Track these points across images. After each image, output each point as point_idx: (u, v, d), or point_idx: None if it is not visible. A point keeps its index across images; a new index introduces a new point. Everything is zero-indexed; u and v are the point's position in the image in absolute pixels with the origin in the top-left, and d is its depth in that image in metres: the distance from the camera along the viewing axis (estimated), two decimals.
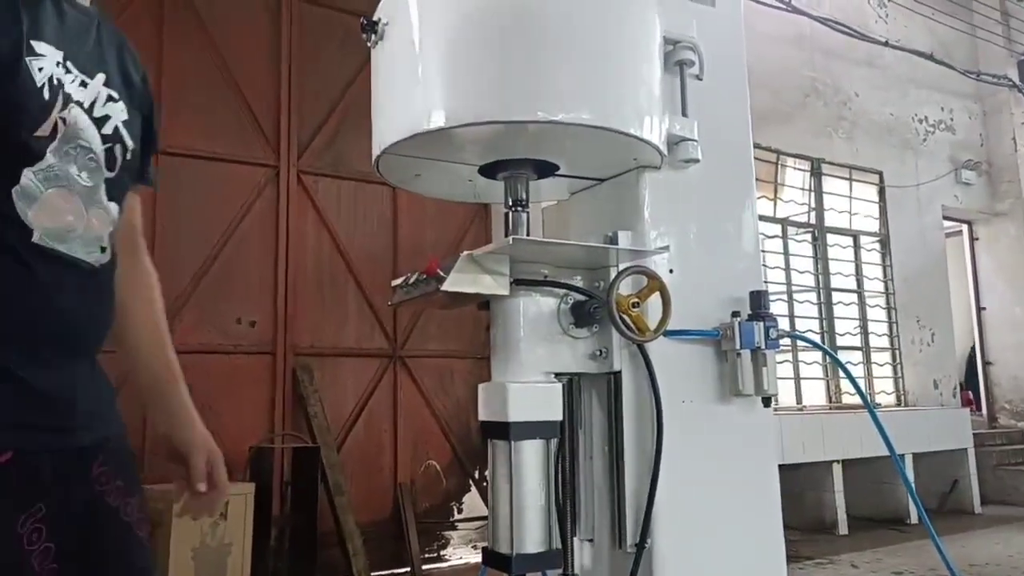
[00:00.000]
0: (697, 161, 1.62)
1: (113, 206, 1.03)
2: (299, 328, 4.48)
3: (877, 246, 6.83)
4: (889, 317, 6.70)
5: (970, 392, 7.65)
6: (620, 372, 1.56)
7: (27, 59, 0.90)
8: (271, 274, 4.47)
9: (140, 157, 1.12)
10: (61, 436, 0.94)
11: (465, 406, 4.98)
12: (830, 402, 6.18)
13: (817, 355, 6.05)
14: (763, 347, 1.58)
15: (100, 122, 1.01)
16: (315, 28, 4.79)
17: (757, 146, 6.72)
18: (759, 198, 5.86)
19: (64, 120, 0.94)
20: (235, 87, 4.51)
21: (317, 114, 4.73)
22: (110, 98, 1.03)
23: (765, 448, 1.68)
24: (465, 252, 1.40)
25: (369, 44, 1.50)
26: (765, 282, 6.51)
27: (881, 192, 6.86)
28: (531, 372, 1.49)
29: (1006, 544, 4.90)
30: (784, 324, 6.05)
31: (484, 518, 4.67)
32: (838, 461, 5.36)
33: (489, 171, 1.58)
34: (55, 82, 0.93)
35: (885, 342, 6.68)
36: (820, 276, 6.36)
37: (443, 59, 1.42)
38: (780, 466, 1.74)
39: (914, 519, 5.41)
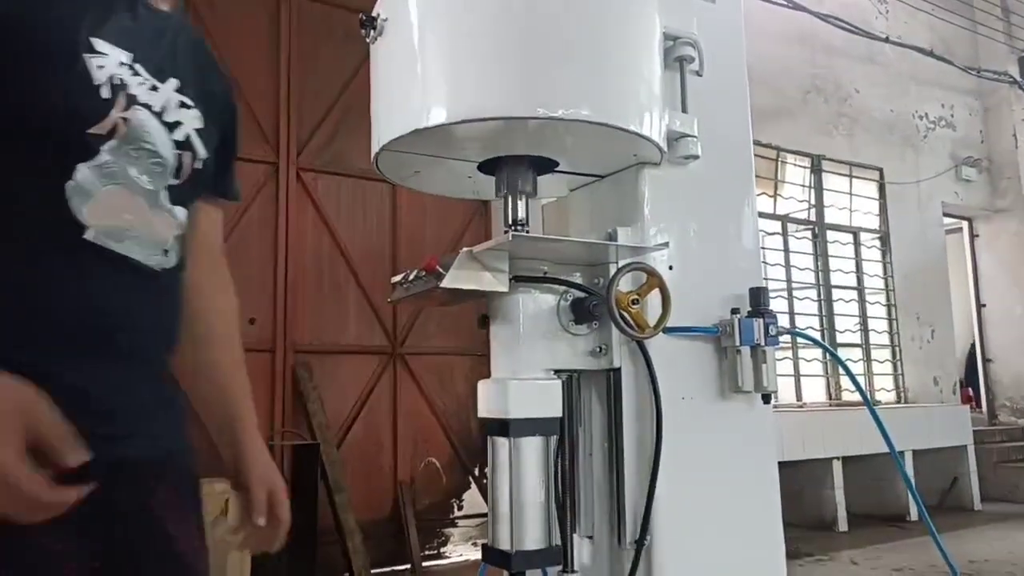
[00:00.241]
0: (697, 157, 1.61)
1: (180, 210, 0.99)
2: (299, 326, 4.47)
3: (877, 243, 6.82)
4: (889, 314, 6.70)
5: (970, 389, 7.65)
6: (620, 369, 1.55)
7: (85, 56, 0.88)
8: (271, 272, 4.47)
9: (217, 168, 1.08)
10: (109, 444, 0.86)
11: (465, 403, 4.98)
12: (830, 399, 6.18)
13: (817, 352, 6.05)
14: (763, 344, 1.58)
15: (171, 127, 0.97)
16: (314, 25, 4.78)
17: (757, 143, 6.71)
18: (759, 195, 5.85)
19: (126, 120, 0.90)
20: (234, 84, 4.50)
21: (316, 111, 4.72)
22: (183, 104, 1.00)
23: (765, 445, 1.68)
24: (464, 249, 1.40)
25: (368, 40, 1.50)
26: (765, 279, 6.51)
27: (881, 189, 6.85)
28: (531, 369, 1.49)
29: (1006, 541, 4.91)
30: (784, 321, 6.05)
31: (484, 515, 4.67)
32: (838, 458, 5.36)
33: (488, 168, 1.58)
34: (117, 82, 0.90)
35: (885, 339, 6.68)
36: (820, 273, 6.36)
37: (442, 55, 1.42)
38: (780, 463, 1.74)
39: (914, 516, 5.42)
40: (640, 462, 1.52)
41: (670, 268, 1.59)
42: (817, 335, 6.09)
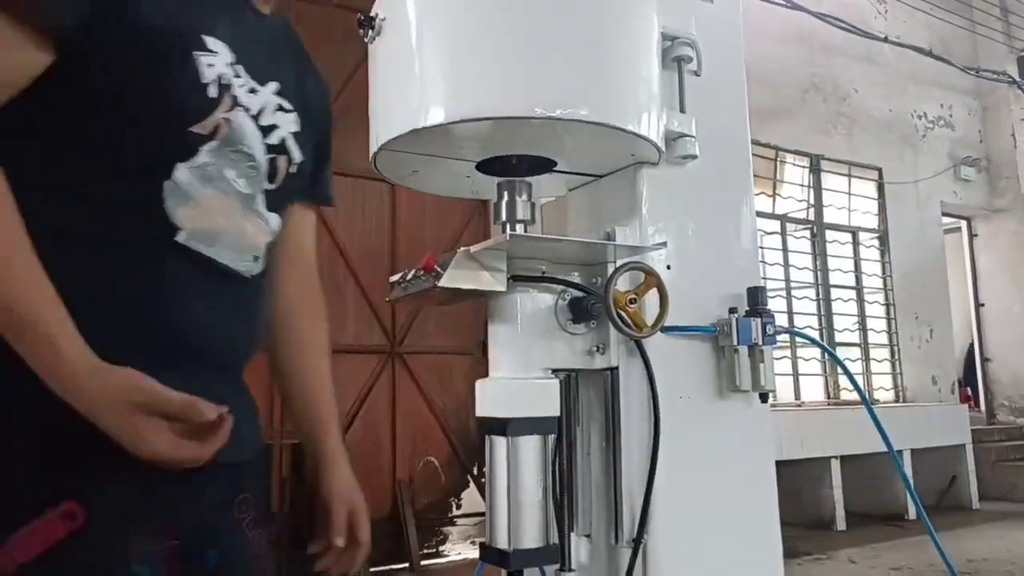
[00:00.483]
0: (695, 157, 1.62)
1: (273, 217, 0.97)
2: None
3: (876, 243, 6.83)
4: (888, 313, 6.71)
5: (969, 388, 7.65)
6: (618, 368, 1.56)
7: (196, 54, 0.86)
8: None
9: (312, 173, 1.06)
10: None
11: (464, 402, 4.98)
12: (828, 398, 6.19)
13: (816, 351, 6.06)
14: (760, 343, 1.59)
15: (266, 131, 0.95)
16: (312, 25, 4.78)
17: (756, 142, 6.71)
18: (758, 194, 5.88)
19: (228, 121, 0.88)
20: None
21: None
22: (280, 108, 0.98)
23: (762, 444, 1.68)
24: (462, 248, 1.41)
25: (366, 40, 1.50)
26: (764, 279, 6.50)
27: (880, 188, 6.86)
28: (529, 368, 1.49)
29: (1004, 539, 4.91)
30: (783, 320, 6.06)
31: (483, 514, 4.67)
32: (836, 457, 5.37)
33: (487, 167, 1.58)
34: (223, 82, 0.88)
35: (884, 338, 6.68)
36: (819, 273, 6.36)
37: (440, 55, 1.42)
38: (779, 462, 1.74)
39: (912, 515, 5.42)
40: (638, 461, 1.53)
41: (668, 267, 1.59)
42: (816, 334, 6.10)
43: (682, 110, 1.62)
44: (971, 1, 7.59)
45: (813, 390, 6.18)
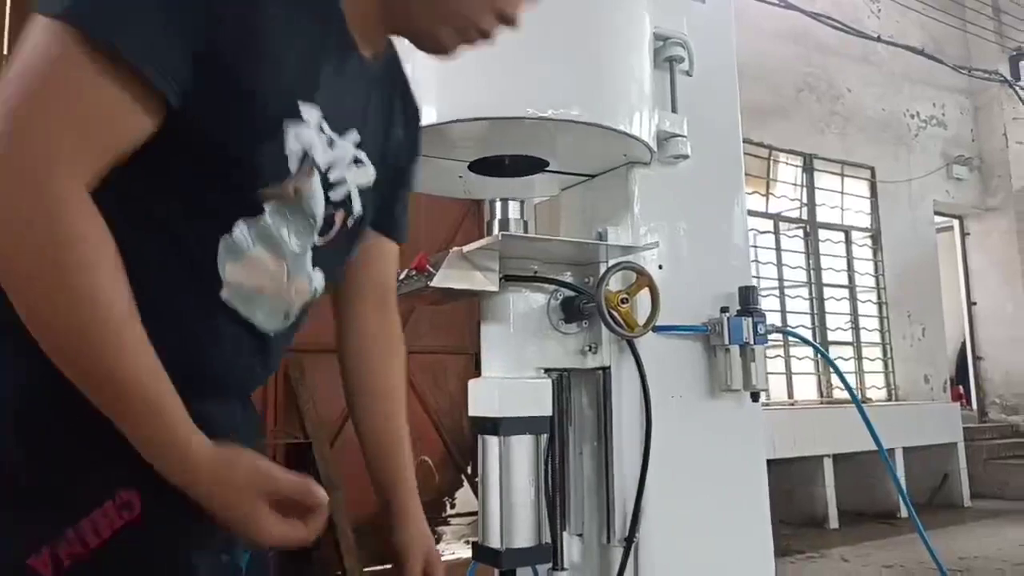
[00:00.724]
0: (686, 157, 1.62)
1: (318, 275, 0.91)
2: None
3: (869, 242, 6.85)
4: (880, 312, 6.73)
5: (961, 387, 7.69)
6: (610, 368, 1.56)
7: (286, 122, 0.80)
8: None
9: (392, 206, 1.02)
10: None
11: (458, 402, 4.98)
12: (821, 397, 6.21)
13: (810, 350, 6.07)
14: (752, 342, 1.59)
15: (332, 186, 0.88)
16: None
17: (750, 142, 6.67)
18: (751, 194, 5.89)
19: (299, 187, 0.83)
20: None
21: None
22: (356, 160, 0.90)
23: (753, 443, 1.69)
24: (455, 248, 1.41)
25: None
26: (757, 278, 6.46)
27: (873, 187, 6.88)
28: (521, 368, 1.50)
29: (995, 537, 4.94)
30: (776, 319, 6.08)
31: (476, 513, 4.68)
32: (829, 456, 5.38)
33: (479, 167, 1.59)
34: (306, 152, 0.83)
35: (876, 337, 6.71)
36: (812, 271, 6.38)
37: (432, 56, 1.42)
38: (772, 461, 1.75)
39: (905, 513, 5.45)
40: (629, 460, 1.53)
41: (660, 267, 1.60)
42: (809, 333, 6.12)
43: (674, 110, 1.63)
44: (964, 1, 7.62)
45: (806, 389, 6.19)
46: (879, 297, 6.75)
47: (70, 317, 0.67)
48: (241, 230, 0.81)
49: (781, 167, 6.43)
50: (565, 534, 1.59)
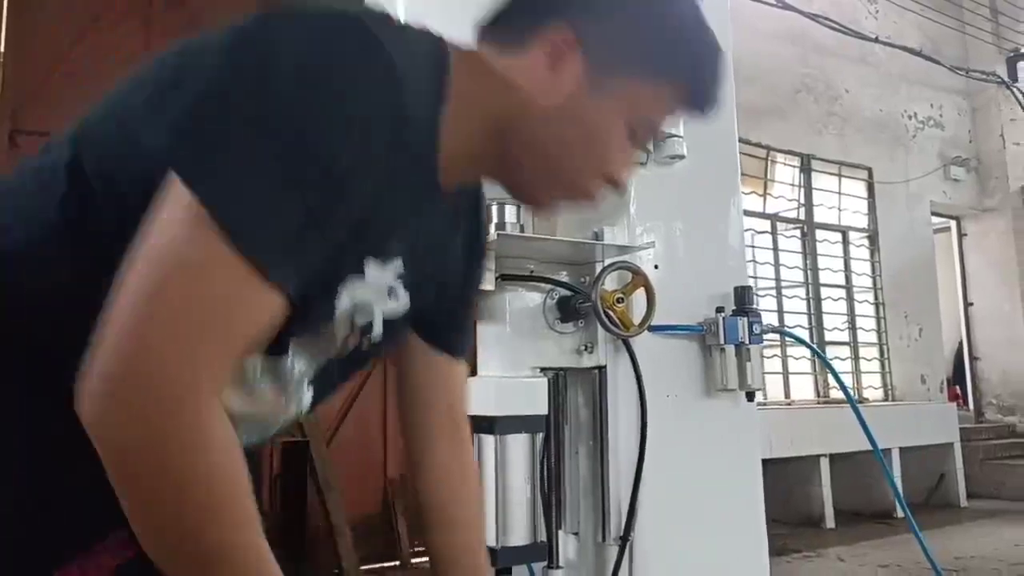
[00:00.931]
0: (683, 157, 1.63)
1: (309, 395, 0.84)
2: None
3: (866, 242, 6.86)
4: (877, 312, 6.74)
5: (958, 387, 7.70)
6: (605, 367, 1.57)
7: (347, 281, 0.74)
8: None
9: (449, 322, 0.97)
10: None
11: None
12: (818, 397, 6.22)
13: (806, 349, 6.08)
14: (747, 342, 1.60)
15: (359, 310, 0.79)
16: None
17: (748, 142, 6.67)
18: (749, 194, 5.89)
19: (329, 328, 0.77)
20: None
21: None
22: (390, 291, 0.81)
23: (748, 442, 1.69)
24: None
25: None
26: (754, 278, 6.45)
27: (870, 188, 6.89)
28: (517, 367, 1.50)
29: (992, 537, 4.95)
30: (773, 319, 6.08)
31: None
32: (826, 456, 5.39)
33: None
34: (351, 313, 0.77)
35: (873, 337, 6.72)
36: (809, 272, 6.39)
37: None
38: (768, 460, 1.76)
39: (901, 513, 5.45)
40: (625, 459, 1.54)
41: (655, 267, 1.60)
42: (806, 333, 6.12)
43: None
44: (961, 2, 7.63)
45: (803, 389, 6.20)
46: (876, 297, 6.76)
47: (199, 543, 0.63)
48: (254, 364, 0.75)
49: (778, 167, 6.44)
50: (561, 532, 1.59)
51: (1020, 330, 7.44)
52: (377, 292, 0.78)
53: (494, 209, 1.58)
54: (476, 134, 0.79)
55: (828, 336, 6.39)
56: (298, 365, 0.80)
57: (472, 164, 0.83)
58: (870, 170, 6.89)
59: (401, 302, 0.82)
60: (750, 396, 1.66)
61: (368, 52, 0.68)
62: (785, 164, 6.47)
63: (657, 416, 1.53)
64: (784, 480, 5.26)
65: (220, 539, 0.63)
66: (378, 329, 0.81)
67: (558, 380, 1.60)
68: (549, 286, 1.55)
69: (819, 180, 6.62)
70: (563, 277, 1.58)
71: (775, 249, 6.25)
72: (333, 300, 0.74)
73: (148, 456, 0.60)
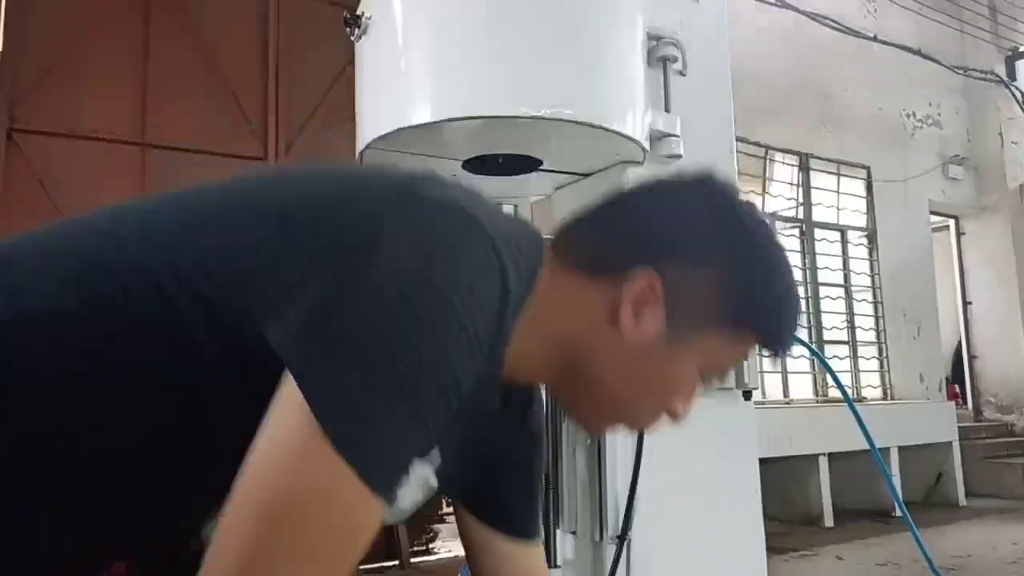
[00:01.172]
0: (679, 157, 1.63)
1: None
2: None
3: (864, 241, 6.86)
4: (876, 311, 6.75)
5: (956, 386, 7.71)
6: None
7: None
8: None
9: (508, 504, 0.97)
10: None
11: None
12: (817, 395, 6.22)
13: (805, 348, 6.08)
14: None
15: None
16: (303, 20, 4.77)
17: (746, 141, 6.66)
18: (747, 193, 5.88)
19: None
20: (222, 79, 4.49)
21: (305, 107, 4.72)
22: (422, 479, 0.81)
23: (746, 441, 1.70)
24: None
25: (352, 38, 1.51)
26: None
27: (869, 187, 6.89)
28: None
29: (989, 536, 4.96)
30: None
31: None
32: (824, 454, 5.40)
33: (473, 166, 1.59)
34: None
35: (872, 336, 6.72)
36: (807, 271, 6.40)
37: (426, 54, 1.43)
38: (767, 459, 1.76)
39: (900, 512, 5.46)
40: (622, 458, 1.54)
41: None
42: (804, 332, 6.13)
43: (667, 109, 1.64)
44: (959, 0, 7.64)
45: (802, 388, 6.21)
46: (875, 296, 6.77)
47: None
48: None
49: (777, 167, 6.45)
50: (558, 531, 1.59)
51: (1018, 329, 7.45)
52: (414, 486, 0.78)
53: None
54: (544, 348, 0.79)
55: (827, 335, 6.40)
56: None
57: (531, 371, 0.82)
58: (868, 169, 6.89)
59: (430, 486, 0.81)
60: (747, 395, 1.66)
61: (490, 266, 0.67)
62: (783, 163, 6.47)
63: None
64: (783, 479, 5.27)
65: None
66: (405, 511, 0.82)
67: None
68: None
69: (817, 179, 6.62)
70: None
71: None
72: None
73: None
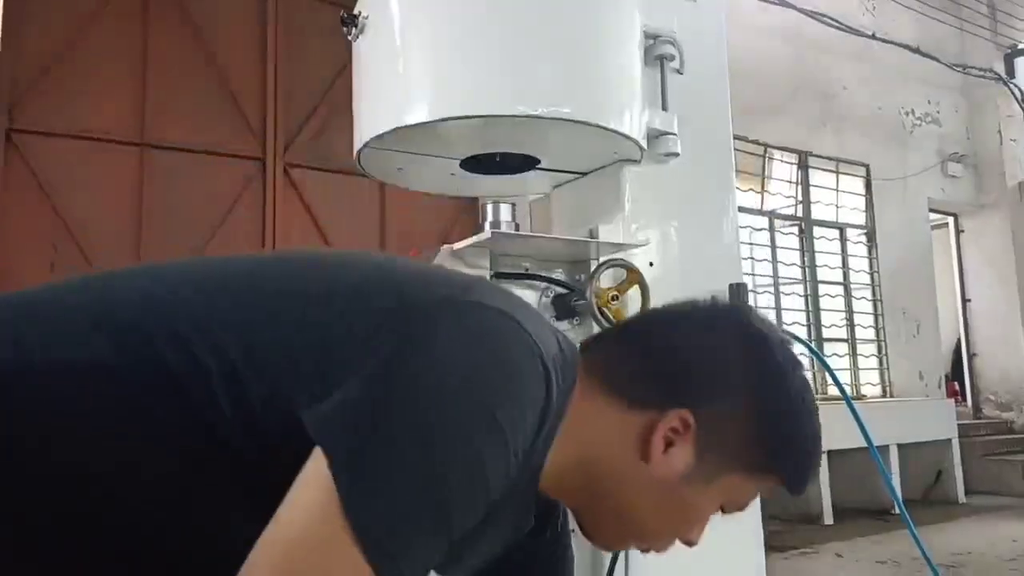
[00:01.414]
0: (677, 155, 1.63)
1: None
2: None
3: (863, 239, 6.87)
4: (875, 309, 6.75)
5: (956, 384, 7.71)
6: None
7: None
8: None
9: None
10: None
11: None
12: (816, 393, 6.20)
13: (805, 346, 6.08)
14: None
15: None
16: (302, 18, 4.77)
17: (745, 139, 6.64)
18: (747, 191, 5.89)
19: None
20: (221, 78, 4.49)
21: (304, 106, 4.71)
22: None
23: None
24: (445, 245, 1.42)
25: (350, 38, 1.51)
26: (752, 275, 6.42)
27: (868, 185, 6.89)
28: None
29: (989, 533, 4.96)
30: (770, 317, 6.08)
31: None
32: (824, 452, 5.38)
33: (471, 165, 1.59)
34: None
35: (871, 334, 6.73)
36: (807, 269, 6.40)
37: (424, 54, 1.43)
38: None
39: (899, 510, 5.45)
40: None
41: (651, 264, 1.61)
42: (804, 330, 6.13)
43: (664, 108, 1.64)
44: None
45: None
46: (874, 294, 6.77)
47: None
48: None
49: (776, 164, 6.44)
50: None
51: (1017, 326, 7.45)
52: None
53: (488, 207, 1.58)
54: (569, 467, 0.79)
55: (826, 333, 6.40)
56: None
57: (553, 488, 0.82)
58: (867, 167, 6.89)
59: None
60: None
61: (537, 383, 0.68)
62: (782, 161, 6.47)
63: None
64: None
65: None
66: None
67: None
68: (544, 284, 1.55)
69: (816, 177, 6.62)
70: (558, 275, 1.58)
71: (773, 246, 6.25)
72: None
73: None
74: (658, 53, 1.65)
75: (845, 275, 6.67)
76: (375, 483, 0.60)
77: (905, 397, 6.59)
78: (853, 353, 6.59)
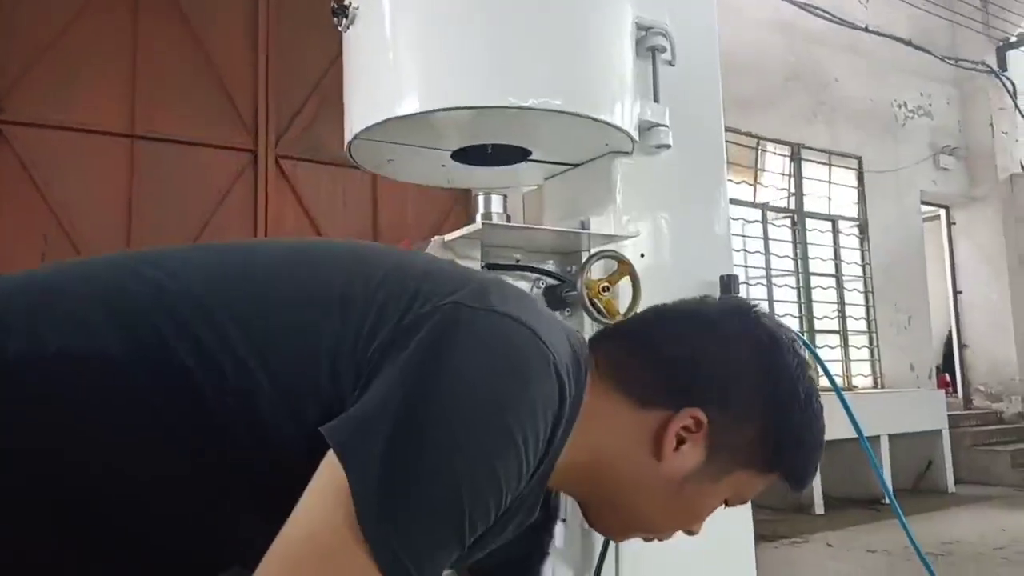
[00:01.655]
0: (668, 147, 1.63)
1: None
2: None
3: (856, 231, 6.89)
4: (867, 301, 6.78)
5: (947, 375, 7.76)
6: None
7: None
8: None
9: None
10: None
11: None
12: None
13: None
14: None
15: None
16: (294, 9, 4.75)
17: (737, 131, 6.64)
18: (739, 183, 5.89)
19: None
20: (212, 70, 4.47)
21: (296, 98, 4.70)
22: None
23: None
24: (436, 236, 1.42)
25: (340, 28, 1.50)
26: (744, 267, 6.43)
27: (860, 177, 6.91)
28: None
29: (978, 522, 5.00)
30: (763, 308, 6.10)
31: None
32: None
33: (461, 156, 1.59)
34: None
35: (863, 325, 6.76)
36: (799, 260, 6.42)
37: (414, 44, 1.43)
38: None
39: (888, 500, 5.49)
40: None
41: (641, 256, 1.61)
42: (796, 322, 6.16)
43: (656, 100, 1.64)
44: None
45: None
46: (866, 286, 6.80)
47: None
48: None
49: (769, 157, 6.45)
50: None
51: (1008, 318, 7.49)
52: None
53: (480, 199, 1.58)
54: (579, 463, 0.80)
55: (818, 324, 6.43)
56: None
57: (562, 484, 0.84)
58: (860, 159, 6.91)
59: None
60: None
61: (551, 390, 0.69)
62: (775, 153, 6.49)
63: None
64: None
65: None
66: None
67: None
68: (535, 275, 1.56)
69: (809, 169, 6.64)
70: (549, 266, 1.58)
71: (765, 238, 6.27)
72: None
73: None
74: (650, 45, 1.64)
75: (837, 267, 6.69)
76: (390, 494, 0.61)
77: (896, 388, 6.63)
78: (845, 344, 6.63)
